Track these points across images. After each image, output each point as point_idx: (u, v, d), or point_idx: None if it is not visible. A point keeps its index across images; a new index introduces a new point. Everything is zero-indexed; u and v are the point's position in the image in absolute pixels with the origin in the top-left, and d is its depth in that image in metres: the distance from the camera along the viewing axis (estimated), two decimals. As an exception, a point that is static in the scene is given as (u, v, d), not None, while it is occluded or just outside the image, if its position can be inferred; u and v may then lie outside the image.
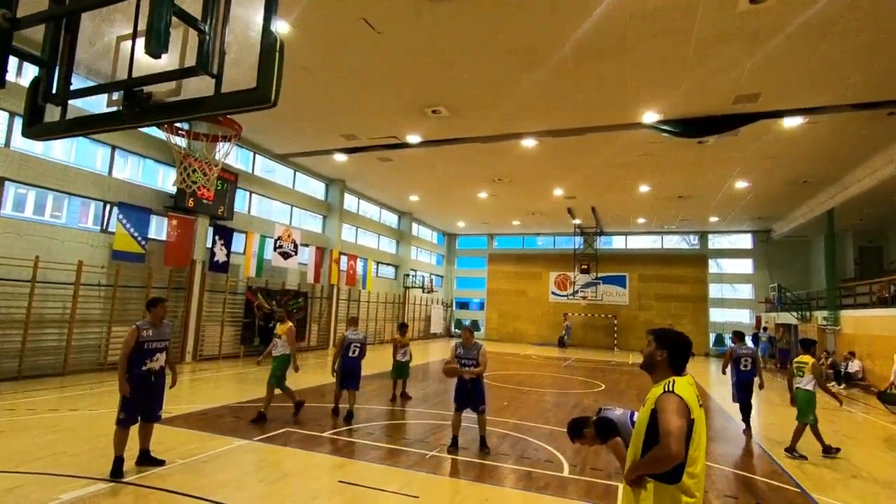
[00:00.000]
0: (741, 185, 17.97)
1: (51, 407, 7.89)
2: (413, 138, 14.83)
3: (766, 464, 6.75)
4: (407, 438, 7.19)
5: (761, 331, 24.59)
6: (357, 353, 8.30)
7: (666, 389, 2.49)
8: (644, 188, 19.25)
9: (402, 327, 10.63)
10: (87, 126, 2.69)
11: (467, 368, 6.73)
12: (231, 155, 17.70)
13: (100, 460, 5.42)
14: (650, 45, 9.03)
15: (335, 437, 7.04)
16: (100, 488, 4.74)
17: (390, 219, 27.48)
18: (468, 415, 6.90)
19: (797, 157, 14.82)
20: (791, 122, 12.17)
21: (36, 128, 2.82)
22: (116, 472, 5.02)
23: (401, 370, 10.20)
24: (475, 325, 32.93)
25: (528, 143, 14.66)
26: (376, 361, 17.06)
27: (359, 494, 4.96)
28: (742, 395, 8.60)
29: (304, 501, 4.70)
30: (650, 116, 12.23)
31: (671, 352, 2.62)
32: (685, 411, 2.41)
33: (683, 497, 2.42)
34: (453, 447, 6.68)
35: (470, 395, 6.78)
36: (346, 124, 14.14)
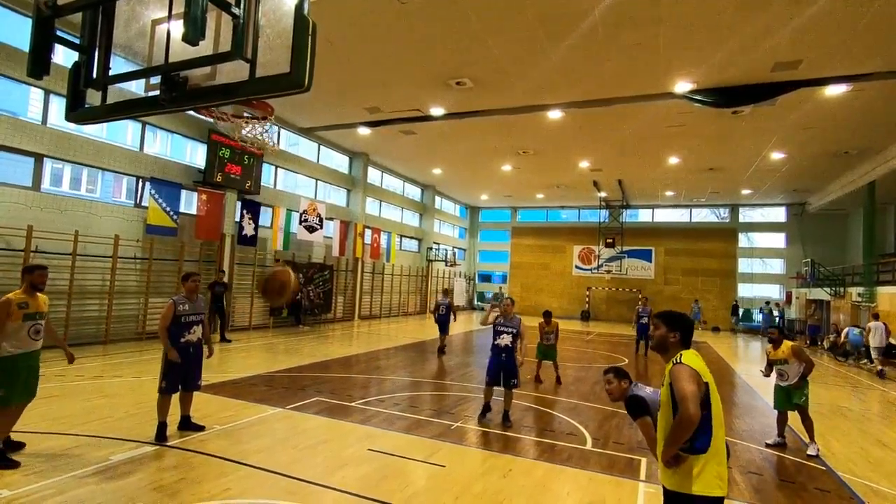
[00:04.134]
0: (776, 156, 17.30)
1: (96, 374, 8.35)
2: (437, 111, 14.67)
3: (790, 440, 6.71)
4: (432, 410, 7.39)
5: (763, 305, 25.62)
6: (443, 311, 12.95)
7: (675, 362, 2.71)
8: (673, 160, 18.71)
9: (547, 315, 10.73)
10: (128, 110, 2.77)
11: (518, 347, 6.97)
12: (257, 130, 17.88)
13: (144, 425, 5.75)
14: (685, 9, 8.64)
15: (363, 406, 7.28)
16: (146, 451, 5.05)
17: (413, 192, 27.48)
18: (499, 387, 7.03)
19: (838, 127, 14.15)
20: (834, 90, 11.58)
21: (78, 112, 2.91)
22: (161, 436, 5.32)
23: (546, 353, 10.33)
24: (496, 298, 33.03)
25: (554, 114, 14.35)
26: (396, 334, 17.40)
27: (387, 462, 5.16)
28: (640, 335, 14.74)
29: (336, 468, 4.92)
30: (682, 86, 11.79)
31: (682, 332, 2.85)
32: (696, 377, 2.61)
33: (713, 464, 2.60)
34: (483, 416, 6.96)
35: (504, 369, 6.90)
36: (369, 97, 14.06)
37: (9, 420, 4.67)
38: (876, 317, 14.03)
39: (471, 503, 4.35)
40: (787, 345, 6.42)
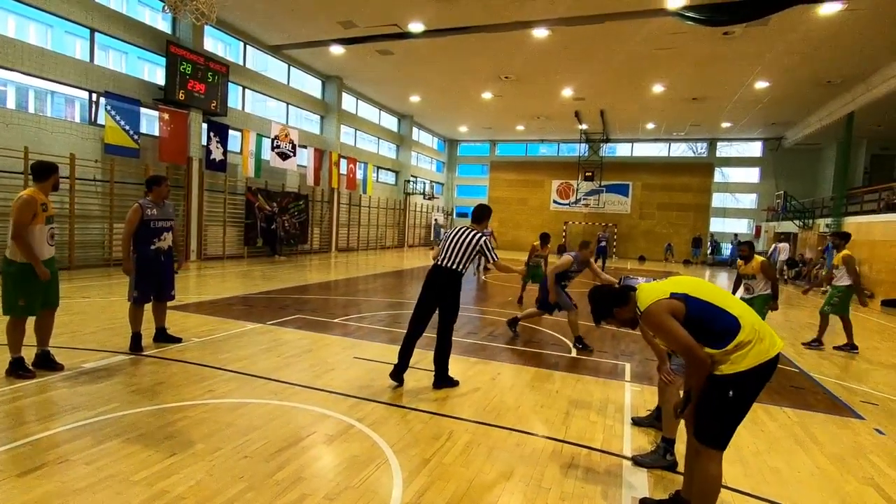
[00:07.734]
0: (761, 84, 17.05)
1: (62, 296, 7.92)
2: (415, 26, 13.72)
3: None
4: (416, 325, 7.32)
5: (733, 239, 26.37)
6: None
7: (638, 313, 2.44)
8: (658, 88, 18.28)
9: (545, 237, 10.00)
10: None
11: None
12: (220, 47, 16.55)
13: (117, 338, 5.51)
14: None
15: (346, 322, 7.17)
16: (121, 359, 4.83)
17: (390, 122, 26.43)
18: (485, 307, 6.96)
19: (827, 52, 13.88)
20: (829, 9, 11.19)
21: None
22: (136, 347, 5.09)
23: (534, 275, 9.60)
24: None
25: (540, 32, 13.61)
26: (374, 264, 17.30)
27: (374, 367, 5.09)
28: (598, 255, 18.23)
29: (322, 373, 4.82)
30: (675, 0, 11.21)
31: (616, 300, 2.58)
32: (671, 311, 2.32)
33: (748, 346, 2.30)
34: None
35: None
36: (343, 8, 12.98)
37: (22, 333, 4.26)
38: (782, 239, 19.98)
39: (461, 402, 4.33)
40: (756, 260, 6.37)
